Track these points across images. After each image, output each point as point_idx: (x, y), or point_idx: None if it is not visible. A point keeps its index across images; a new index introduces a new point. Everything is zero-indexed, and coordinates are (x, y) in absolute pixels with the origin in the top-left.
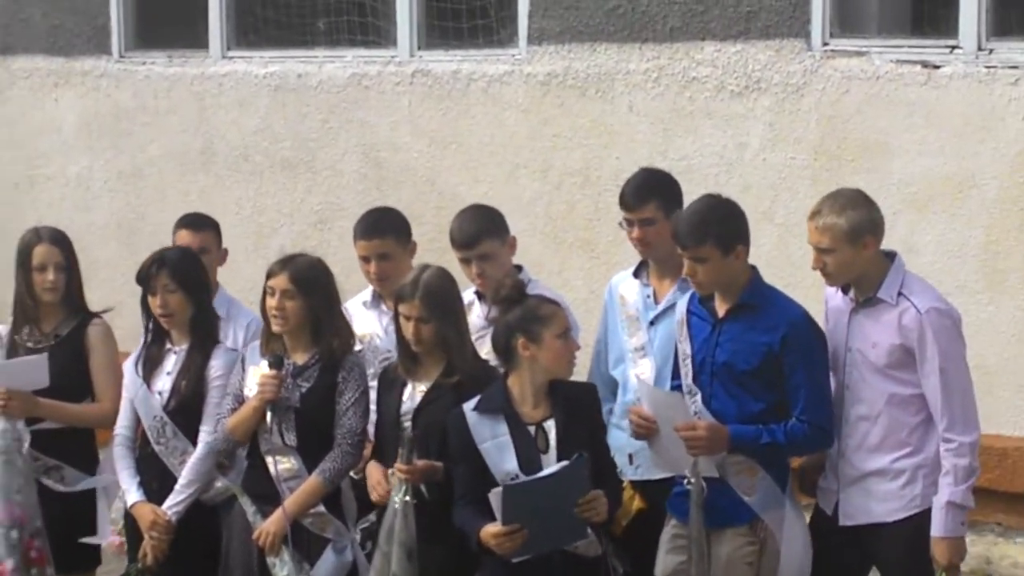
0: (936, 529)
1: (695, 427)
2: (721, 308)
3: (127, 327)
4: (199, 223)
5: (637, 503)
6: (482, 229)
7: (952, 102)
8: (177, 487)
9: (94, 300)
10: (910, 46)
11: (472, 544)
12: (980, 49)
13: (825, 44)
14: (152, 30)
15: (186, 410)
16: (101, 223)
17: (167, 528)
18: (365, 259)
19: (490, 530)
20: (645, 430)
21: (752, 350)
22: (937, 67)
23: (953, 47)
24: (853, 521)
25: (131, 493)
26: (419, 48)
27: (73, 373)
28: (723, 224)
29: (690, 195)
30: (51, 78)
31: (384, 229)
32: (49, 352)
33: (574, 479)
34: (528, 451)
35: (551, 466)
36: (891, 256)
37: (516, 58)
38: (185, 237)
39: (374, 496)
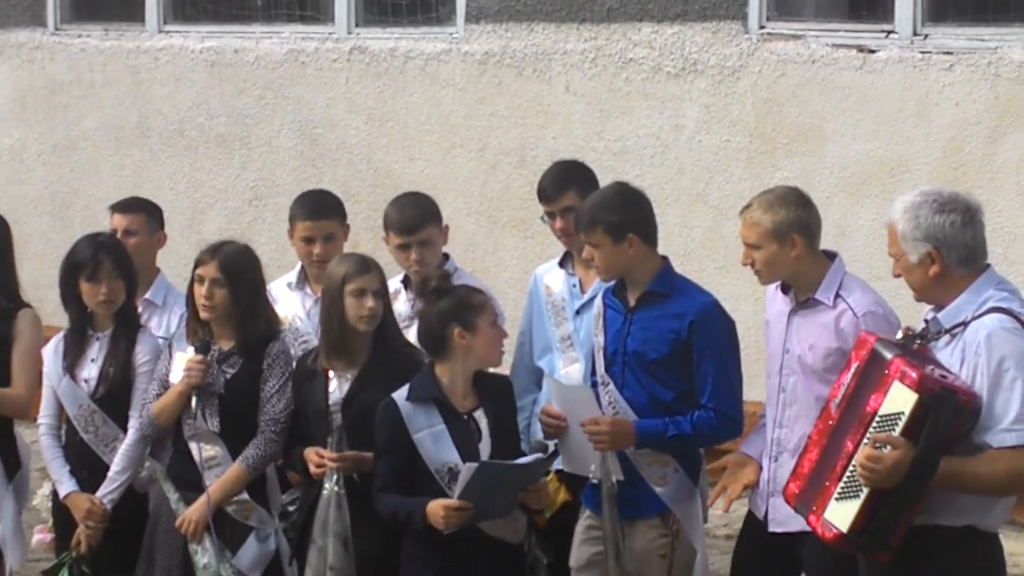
0: None
1: (598, 422)
2: (632, 298)
3: (58, 301)
4: (128, 206)
5: (563, 495)
6: (425, 215)
7: (887, 87)
8: (110, 474)
9: (26, 274)
10: (846, 30)
11: (415, 522)
12: (915, 34)
13: (762, 27)
14: (88, 3)
15: (114, 397)
16: (34, 196)
17: (103, 516)
18: (308, 240)
19: (441, 503)
20: (555, 428)
21: (661, 338)
22: (872, 52)
23: (889, 32)
24: (783, 528)
25: (64, 484)
26: (357, 25)
27: None
28: (615, 212)
29: (625, 175)
30: None
31: (330, 210)
32: None
33: (537, 471)
34: (466, 441)
35: (525, 456)
36: (832, 256)
37: (454, 36)
38: (114, 220)
39: (314, 470)
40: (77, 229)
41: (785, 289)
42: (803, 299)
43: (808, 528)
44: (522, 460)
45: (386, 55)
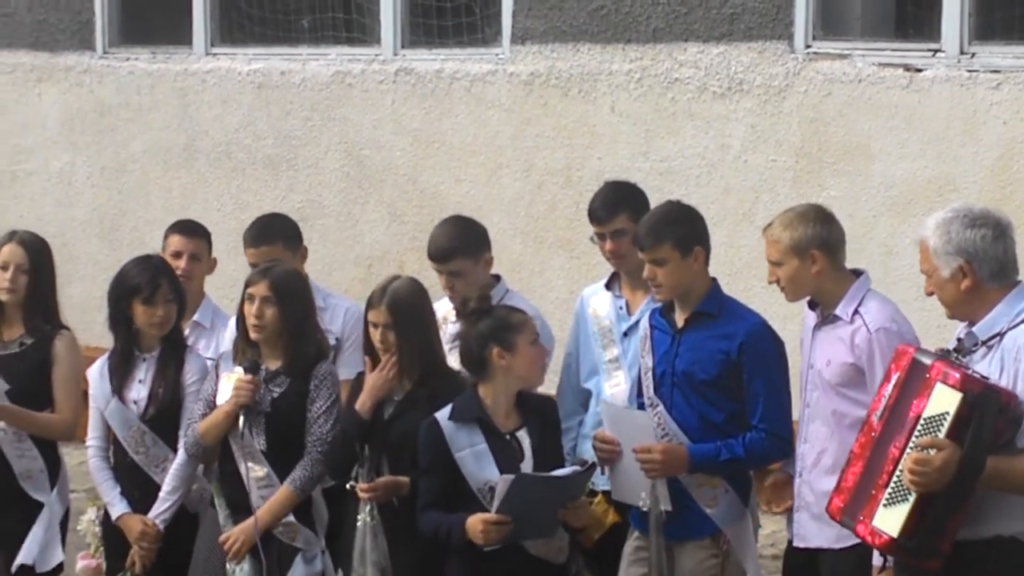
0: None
1: (650, 450)
2: (680, 319)
3: (106, 323)
4: (193, 229)
5: (612, 516)
6: (455, 247)
7: (934, 105)
8: (162, 494)
9: (74, 295)
10: (892, 49)
11: (455, 539)
12: (962, 53)
13: (808, 46)
14: (136, 26)
15: (164, 417)
16: (83, 219)
17: (157, 537)
18: (253, 266)
19: (480, 517)
20: (608, 454)
21: (710, 358)
22: (919, 70)
23: (935, 50)
24: (804, 543)
25: (116, 505)
26: (403, 46)
27: (35, 383)
28: (681, 225)
29: (671, 195)
30: (34, 73)
31: (272, 235)
32: (11, 360)
33: (577, 486)
34: (508, 459)
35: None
36: (859, 274)
37: (499, 57)
38: (177, 243)
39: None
40: (125, 251)
41: (813, 305)
42: (826, 315)
43: (827, 545)
44: (559, 472)
45: (432, 76)
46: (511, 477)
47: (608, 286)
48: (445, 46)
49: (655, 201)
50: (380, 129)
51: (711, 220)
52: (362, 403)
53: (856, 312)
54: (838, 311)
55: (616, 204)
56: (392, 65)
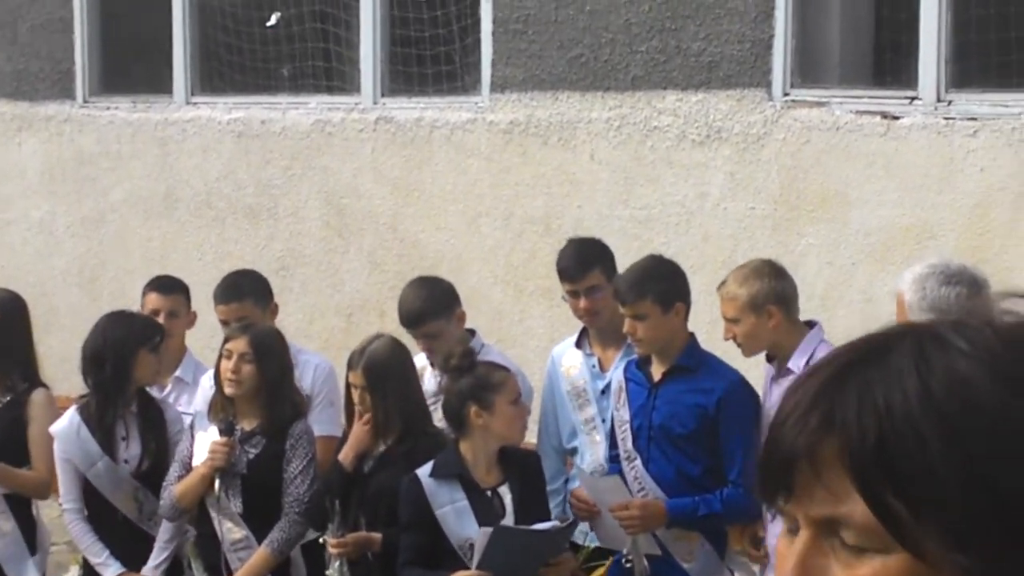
0: None
1: (628, 507)
2: (657, 372)
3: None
4: (169, 286)
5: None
6: (425, 310)
7: (911, 153)
8: (158, 545)
9: (54, 345)
10: (870, 96)
11: None
12: (939, 100)
13: (786, 94)
14: (116, 75)
15: (157, 471)
16: (63, 268)
17: None
18: (224, 323)
19: (462, 574)
20: (586, 513)
21: (688, 413)
22: (896, 118)
23: (912, 98)
24: None
25: (110, 566)
26: (382, 95)
27: (11, 441)
28: (663, 281)
29: (651, 243)
30: (15, 123)
31: (242, 292)
32: None
33: (558, 541)
34: (489, 516)
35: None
36: (812, 325)
37: (479, 106)
38: (154, 301)
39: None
40: (105, 301)
41: (770, 358)
42: (781, 368)
43: None
44: (539, 526)
45: (412, 125)
46: (490, 529)
47: (578, 344)
48: (425, 95)
49: (634, 248)
50: (360, 177)
51: (690, 268)
52: (344, 455)
53: (808, 364)
54: (791, 364)
55: (589, 260)
56: (372, 114)
